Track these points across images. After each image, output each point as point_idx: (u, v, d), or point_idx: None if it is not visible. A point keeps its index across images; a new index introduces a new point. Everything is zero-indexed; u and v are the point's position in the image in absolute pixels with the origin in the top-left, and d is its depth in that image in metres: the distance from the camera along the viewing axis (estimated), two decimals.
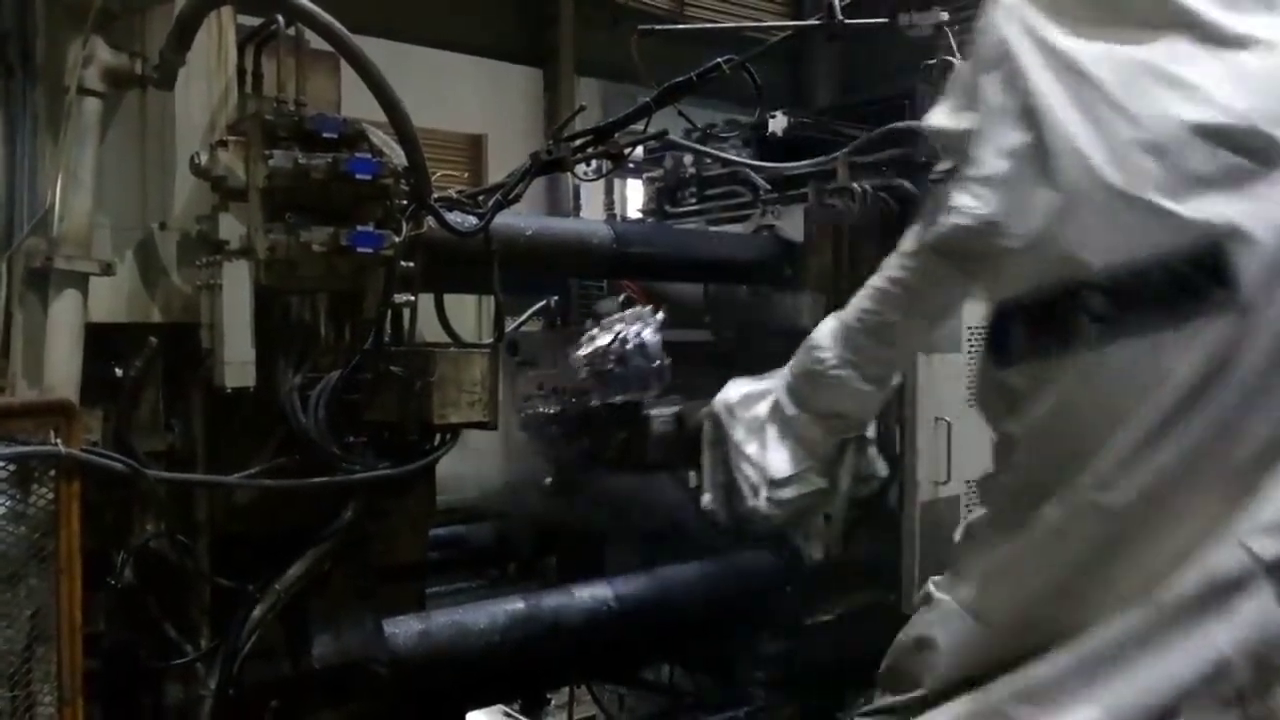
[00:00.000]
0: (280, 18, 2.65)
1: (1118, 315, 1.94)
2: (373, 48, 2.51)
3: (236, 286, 2.48)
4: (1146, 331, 1.91)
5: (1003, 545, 2.18)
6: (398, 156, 2.65)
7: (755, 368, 3.56)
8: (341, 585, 2.72)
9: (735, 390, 3.11)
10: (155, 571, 2.50)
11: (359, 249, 2.53)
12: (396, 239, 2.59)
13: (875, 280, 2.60)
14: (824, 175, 3.98)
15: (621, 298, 4.41)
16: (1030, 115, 2.02)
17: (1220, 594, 1.83)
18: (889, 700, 2.39)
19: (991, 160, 2.07)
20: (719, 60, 3.30)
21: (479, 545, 4.17)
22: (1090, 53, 2.01)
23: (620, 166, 3.69)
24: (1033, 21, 2.08)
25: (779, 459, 2.90)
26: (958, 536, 2.49)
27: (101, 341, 2.45)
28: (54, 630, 2.08)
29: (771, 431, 2.93)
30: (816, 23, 3.70)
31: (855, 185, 3.85)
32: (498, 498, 4.13)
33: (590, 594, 3.40)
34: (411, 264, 2.70)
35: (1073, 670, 1.94)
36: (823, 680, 3.82)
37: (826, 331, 2.79)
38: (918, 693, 2.26)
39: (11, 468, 2.05)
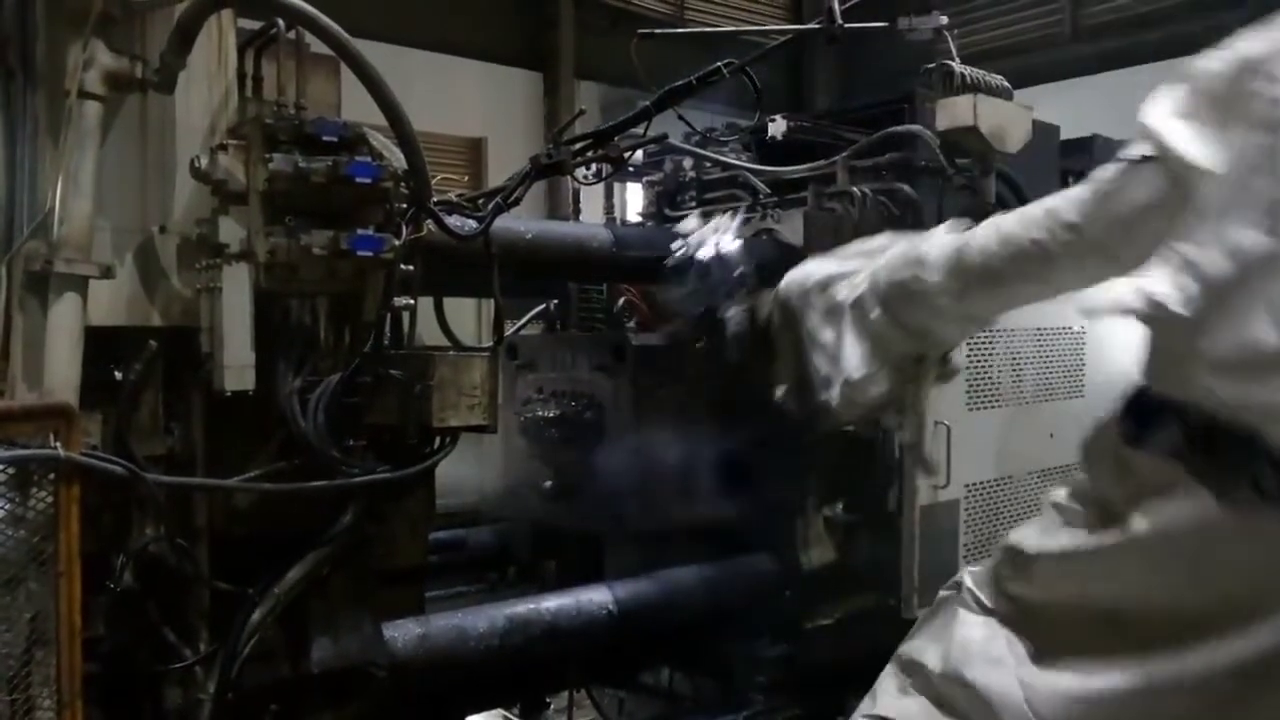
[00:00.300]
0: (280, 21, 2.65)
1: None
2: (372, 51, 2.51)
3: (236, 290, 2.48)
4: None
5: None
6: (398, 160, 2.65)
7: (754, 371, 3.55)
8: (341, 589, 2.72)
9: (808, 271, 2.84)
10: (154, 575, 2.50)
11: (359, 252, 2.53)
12: (396, 242, 2.59)
13: (1014, 227, 2.25)
14: (824, 179, 3.98)
15: (621, 301, 4.41)
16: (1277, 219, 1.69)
17: None
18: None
19: (1215, 256, 1.74)
20: (719, 64, 3.30)
21: (478, 549, 4.18)
22: None
23: (620, 170, 3.69)
24: None
25: (854, 356, 2.64)
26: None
27: (101, 345, 2.45)
28: (53, 634, 2.08)
29: (849, 325, 2.67)
30: (816, 26, 3.70)
31: (855, 189, 3.85)
32: (497, 501, 4.13)
33: (589, 598, 3.40)
34: (411, 267, 2.70)
35: None
36: (822, 684, 3.82)
37: (939, 255, 2.44)
38: None
39: (11, 471, 2.05)
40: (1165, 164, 1.88)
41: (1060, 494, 2.21)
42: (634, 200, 5.11)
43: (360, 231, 2.54)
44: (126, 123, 2.53)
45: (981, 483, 3.92)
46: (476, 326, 4.80)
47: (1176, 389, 1.91)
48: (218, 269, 2.48)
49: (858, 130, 4.19)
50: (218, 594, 2.57)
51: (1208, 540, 1.86)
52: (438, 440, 2.81)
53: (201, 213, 2.57)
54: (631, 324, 4.39)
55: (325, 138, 2.53)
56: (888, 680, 2.43)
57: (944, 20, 4.11)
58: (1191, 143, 1.84)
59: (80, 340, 2.37)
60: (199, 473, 2.59)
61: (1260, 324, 1.70)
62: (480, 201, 3.09)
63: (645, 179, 4.75)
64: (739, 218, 2.94)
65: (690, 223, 3.16)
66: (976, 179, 3.79)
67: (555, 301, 4.43)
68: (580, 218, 4.84)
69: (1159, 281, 1.83)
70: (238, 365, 2.48)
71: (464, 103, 10.60)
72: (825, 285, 2.75)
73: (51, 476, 2.08)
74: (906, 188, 3.87)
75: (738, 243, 3.14)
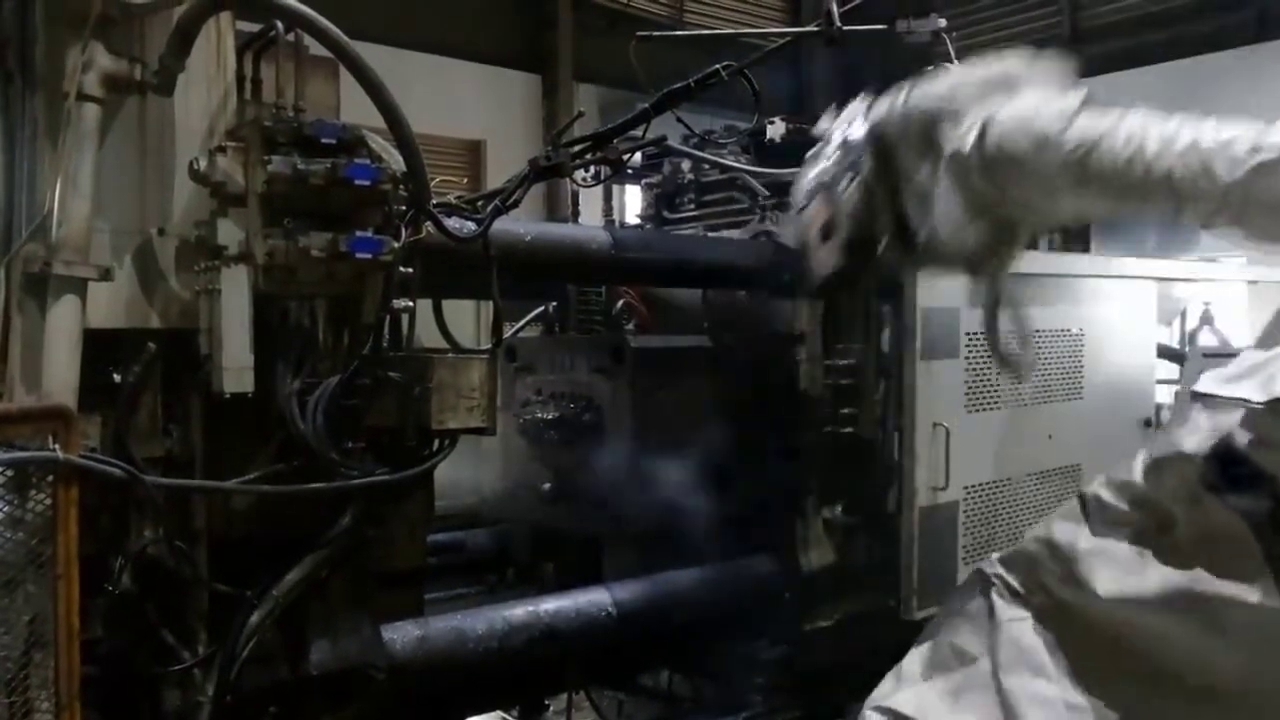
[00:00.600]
0: (279, 23, 2.65)
1: None
2: (371, 53, 2.51)
3: (235, 292, 2.48)
4: None
5: None
6: (396, 162, 2.65)
7: (752, 373, 3.56)
8: (340, 591, 2.71)
9: (913, 101, 2.61)
10: (153, 577, 2.50)
11: (358, 254, 2.53)
12: (395, 244, 2.59)
13: (1155, 153, 2.04)
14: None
15: (620, 303, 4.41)
16: None
17: None
18: None
19: None
20: (717, 66, 3.30)
21: (477, 551, 4.18)
22: None
23: (619, 172, 3.70)
24: None
25: (946, 207, 2.49)
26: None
27: (100, 347, 2.44)
28: (51, 636, 2.08)
29: (945, 174, 2.49)
30: (815, 29, 3.70)
31: None
32: (496, 503, 4.14)
33: (588, 600, 3.40)
34: (410, 269, 2.70)
35: None
36: (822, 686, 3.82)
37: (1072, 142, 2.19)
38: None
39: (9, 473, 2.05)
40: None
41: (1102, 489, 2.15)
42: (633, 202, 5.12)
43: (359, 234, 2.54)
44: (125, 125, 2.53)
45: (980, 484, 3.92)
46: (475, 329, 4.80)
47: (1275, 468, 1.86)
48: (216, 271, 2.48)
49: None
50: (216, 596, 2.57)
51: (1266, 629, 1.83)
52: (436, 442, 2.81)
53: (200, 215, 2.57)
54: (630, 326, 4.39)
55: (324, 140, 2.53)
56: (913, 662, 2.39)
57: (943, 23, 4.11)
58: None
59: (79, 342, 2.37)
60: (198, 475, 2.59)
61: None
62: (479, 203, 3.09)
63: (644, 181, 4.75)
64: (865, 107, 2.79)
65: (825, 121, 2.98)
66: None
67: (554, 303, 4.44)
68: (579, 220, 4.84)
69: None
70: (236, 367, 2.48)
71: (463, 105, 10.60)
72: (928, 123, 2.54)
73: (50, 479, 2.08)
74: None
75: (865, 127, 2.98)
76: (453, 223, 2.86)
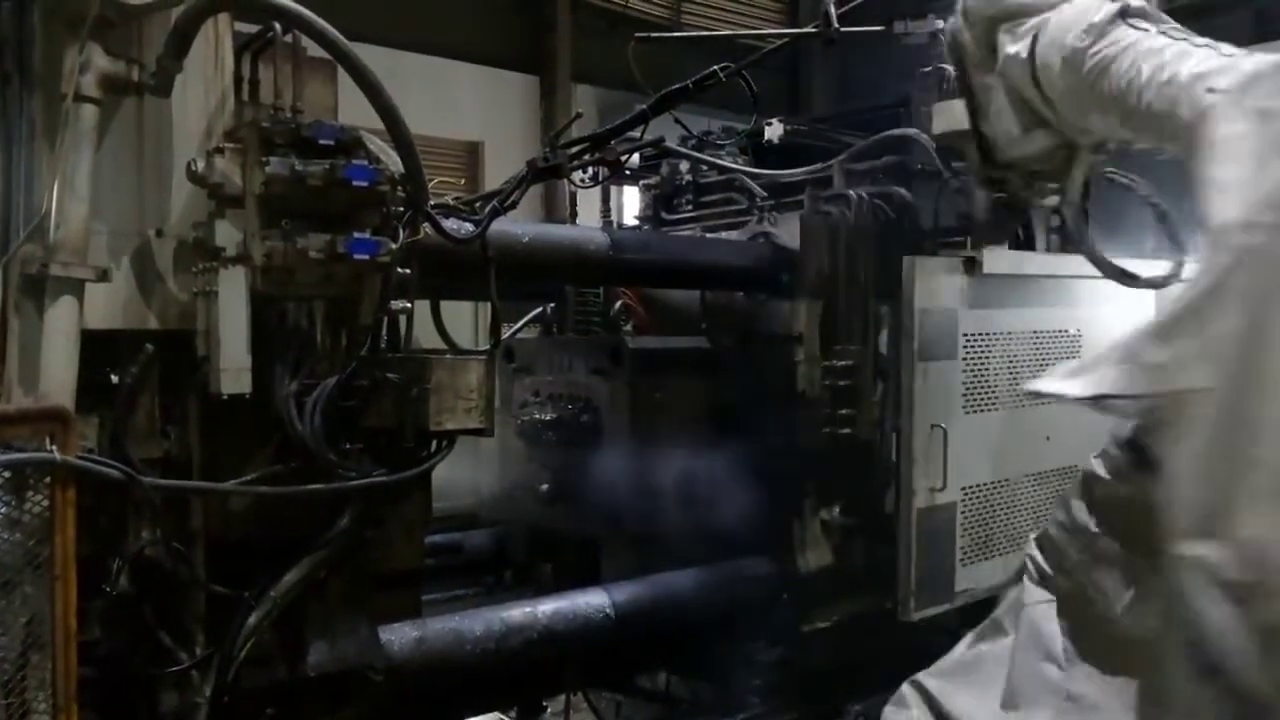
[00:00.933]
0: (277, 25, 2.65)
1: None
2: (369, 54, 2.52)
3: (233, 293, 2.48)
4: None
5: None
6: (394, 163, 2.65)
7: (750, 374, 3.56)
8: (337, 592, 2.71)
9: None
10: (150, 578, 2.49)
11: (355, 255, 2.53)
12: (393, 245, 2.59)
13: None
14: (820, 182, 3.98)
15: (618, 305, 4.41)
16: None
17: None
18: None
19: None
20: (715, 68, 3.30)
21: (475, 552, 4.17)
22: None
23: (617, 173, 3.70)
24: None
25: (1005, 114, 2.44)
26: None
27: (97, 348, 2.44)
28: (48, 637, 2.07)
29: (999, 81, 2.45)
30: (813, 30, 3.70)
31: (851, 192, 3.85)
32: (494, 504, 4.14)
33: (586, 601, 3.40)
34: (408, 270, 2.70)
35: None
36: (819, 687, 3.82)
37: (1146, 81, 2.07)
38: None
39: (7, 474, 2.05)
40: None
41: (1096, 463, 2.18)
42: (631, 203, 5.12)
43: (357, 235, 2.55)
44: (123, 126, 2.53)
45: (978, 485, 3.92)
46: (473, 330, 4.81)
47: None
48: (214, 272, 2.48)
49: (854, 134, 4.20)
50: (214, 597, 2.57)
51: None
52: (434, 443, 2.81)
53: (198, 216, 2.56)
54: (628, 327, 4.40)
55: (322, 141, 2.53)
56: (968, 635, 2.40)
57: (940, 24, 4.11)
58: None
59: (76, 343, 2.37)
60: (195, 476, 2.59)
61: None
62: (477, 205, 3.09)
63: (642, 182, 4.76)
64: None
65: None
66: (972, 183, 3.79)
67: (552, 305, 4.44)
68: (577, 221, 4.84)
69: None
70: (234, 368, 2.48)
71: (461, 106, 10.59)
72: (988, 28, 2.45)
73: (47, 480, 2.08)
74: (903, 191, 3.87)
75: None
76: (451, 224, 2.86)
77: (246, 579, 2.57)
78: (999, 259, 3.91)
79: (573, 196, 4.77)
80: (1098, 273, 2.98)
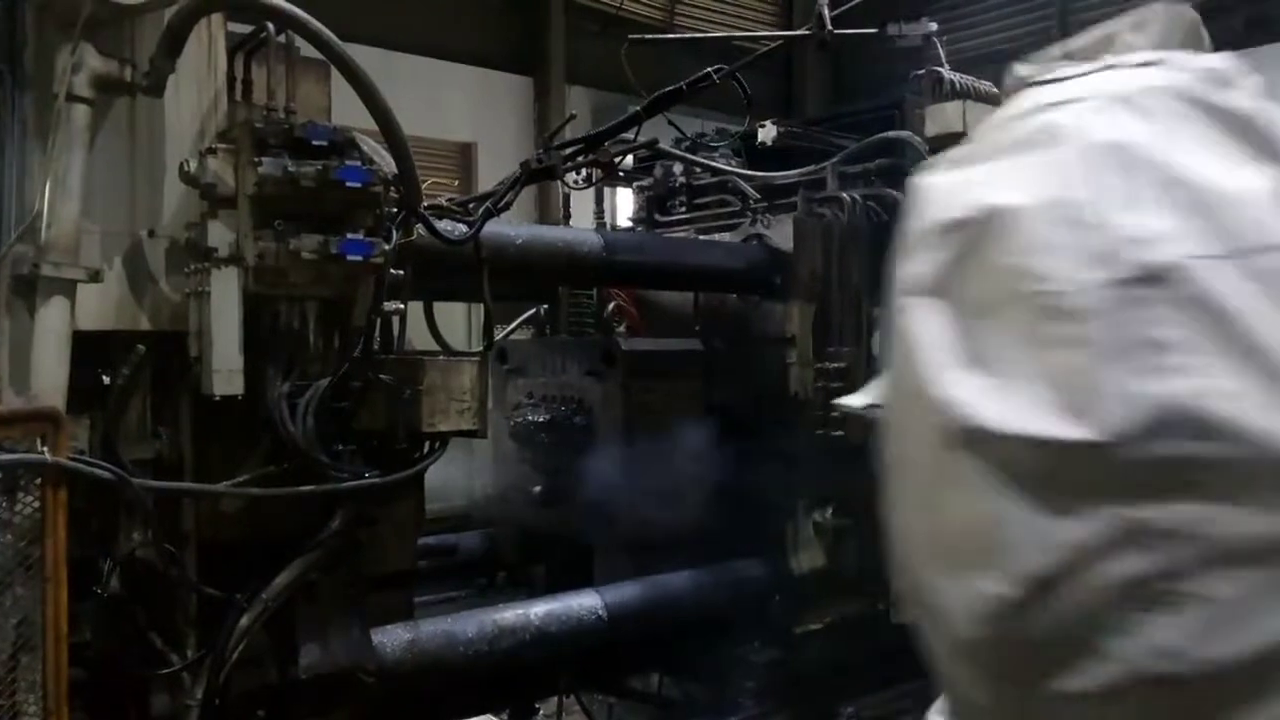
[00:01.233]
0: (270, 25, 2.64)
1: None
2: (363, 55, 2.51)
3: (225, 294, 2.48)
4: None
5: None
6: (388, 164, 2.65)
7: (743, 376, 3.55)
8: (329, 594, 2.71)
9: None
10: (142, 580, 2.49)
11: (348, 256, 2.52)
12: (386, 247, 2.59)
13: None
14: (813, 184, 3.99)
15: (611, 306, 4.41)
16: None
17: None
18: None
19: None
20: (709, 70, 3.31)
21: (468, 554, 4.17)
22: None
23: (610, 175, 3.71)
24: None
25: None
26: None
27: (89, 349, 2.44)
28: (39, 639, 2.07)
29: None
30: (806, 32, 3.71)
31: (844, 194, 3.86)
32: (487, 506, 4.13)
33: (579, 603, 3.40)
34: (401, 272, 2.69)
35: None
36: (812, 688, 3.82)
37: None
38: None
39: None
40: None
41: None
42: (624, 205, 5.12)
43: (350, 236, 2.54)
44: (115, 126, 2.52)
45: None
46: (466, 331, 4.80)
47: None
48: (206, 273, 2.48)
49: (848, 136, 4.21)
50: (205, 599, 2.56)
51: None
52: (427, 445, 2.80)
53: (190, 216, 2.56)
54: (621, 329, 4.39)
55: (315, 142, 2.52)
56: None
57: (933, 27, 4.12)
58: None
59: (68, 344, 2.36)
60: (187, 477, 2.58)
61: None
62: (470, 206, 3.09)
63: (635, 184, 4.76)
64: None
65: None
66: None
67: (545, 306, 4.44)
68: (570, 222, 4.85)
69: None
70: (226, 369, 2.47)
71: (454, 107, 10.58)
72: None
73: (38, 481, 2.08)
74: (896, 193, 3.88)
75: None
76: (444, 225, 2.85)
77: (238, 581, 2.56)
78: None
79: (566, 198, 4.78)
80: None
